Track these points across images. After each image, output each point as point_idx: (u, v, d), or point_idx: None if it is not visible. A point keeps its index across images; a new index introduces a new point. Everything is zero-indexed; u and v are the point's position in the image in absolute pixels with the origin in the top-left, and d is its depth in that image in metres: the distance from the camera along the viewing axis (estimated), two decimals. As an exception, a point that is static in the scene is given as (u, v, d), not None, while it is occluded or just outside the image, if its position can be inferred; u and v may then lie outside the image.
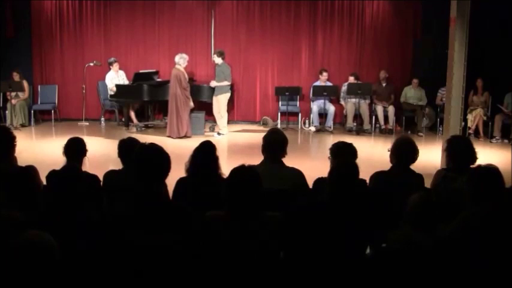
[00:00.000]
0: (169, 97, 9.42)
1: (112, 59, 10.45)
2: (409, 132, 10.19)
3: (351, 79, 10.46)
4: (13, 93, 10.21)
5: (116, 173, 3.90)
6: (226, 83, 9.66)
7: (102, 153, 7.53)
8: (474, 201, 2.79)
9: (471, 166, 3.65)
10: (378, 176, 3.82)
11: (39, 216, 2.77)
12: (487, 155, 7.02)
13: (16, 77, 10.28)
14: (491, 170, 2.90)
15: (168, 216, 2.64)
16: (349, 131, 10.28)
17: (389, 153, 3.94)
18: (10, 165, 3.72)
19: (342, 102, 10.66)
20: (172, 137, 9.29)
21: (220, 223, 2.68)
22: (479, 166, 3.00)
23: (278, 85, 10.78)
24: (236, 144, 9.19)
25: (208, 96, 9.84)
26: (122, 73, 10.49)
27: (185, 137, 9.28)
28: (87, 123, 10.69)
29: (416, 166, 3.87)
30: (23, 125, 10.17)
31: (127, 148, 3.81)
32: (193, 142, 4.33)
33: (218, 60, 9.64)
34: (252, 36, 11.02)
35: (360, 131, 10.21)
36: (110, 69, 10.44)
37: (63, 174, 3.03)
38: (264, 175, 2.79)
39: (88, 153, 3.98)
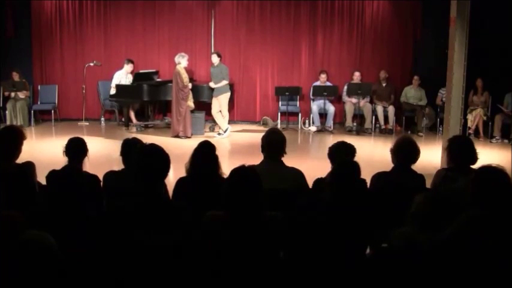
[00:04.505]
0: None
1: (129, 59, 10.45)
2: (409, 132, 10.20)
3: (357, 75, 10.47)
4: (12, 94, 10.22)
5: (115, 174, 3.90)
6: (225, 82, 9.67)
7: (102, 153, 7.51)
8: (476, 203, 2.73)
9: (472, 166, 3.65)
10: (379, 176, 3.82)
11: (39, 216, 2.77)
12: (487, 155, 7.02)
13: (16, 76, 10.29)
14: (498, 172, 2.75)
15: (168, 216, 2.64)
16: (349, 131, 10.29)
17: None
18: (11, 165, 3.72)
19: (345, 98, 10.64)
20: (172, 136, 9.32)
21: (220, 223, 2.68)
22: (487, 166, 2.82)
23: (278, 85, 10.78)
24: (236, 144, 9.20)
25: (208, 96, 9.84)
26: (130, 76, 10.45)
27: (185, 137, 9.28)
28: (87, 123, 10.71)
29: (416, 166, 3.86)
30: (22, 127, 10.16)
31: (130, 148, 3.80)
32: (193, 142, 4.33)
33: (216, 60, 9.66)
34: (252, 36, 11.02)
35: (359, 131, 10.21)
36: (122, 67, 10.43)
37: (63, 174, 3.03)
38: (264, 175, 2.79)
39: (88, 153, 3.97)
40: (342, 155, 3.70)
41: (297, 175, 3.82)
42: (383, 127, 10.36)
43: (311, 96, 10.69)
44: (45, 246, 2.19)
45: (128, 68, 10.41)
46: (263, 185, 2.71)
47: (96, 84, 11.00)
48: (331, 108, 10.54)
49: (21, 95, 10.31)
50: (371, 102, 10.54)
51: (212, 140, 3.94)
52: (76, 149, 3.87)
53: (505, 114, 9.55)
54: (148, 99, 10.16)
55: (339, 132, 10.24)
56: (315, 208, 2.96)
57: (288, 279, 2.66)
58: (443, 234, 2.68)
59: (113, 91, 10.26)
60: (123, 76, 10.35)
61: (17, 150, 3.92)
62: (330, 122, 10.55)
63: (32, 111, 10.56)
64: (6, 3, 10.64)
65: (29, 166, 3.67)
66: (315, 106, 10.55)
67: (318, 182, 3.70)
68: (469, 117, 9.68)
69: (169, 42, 11.06)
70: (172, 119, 9.43)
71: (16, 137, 3.93)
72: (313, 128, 10.54)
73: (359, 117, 10.47)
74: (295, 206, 3.07)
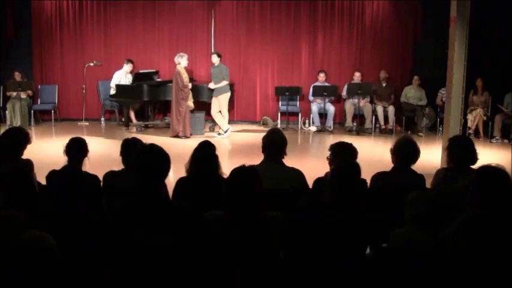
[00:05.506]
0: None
1: (129, 59, 10.46)
2: (409, 132, 10.20)
3: (357, 75, 10.47)
4: (14, 93, 10.22)
5: (115, 174, 3.90)
6: (225, 82, 9.67)
7: (102, 153, 7.50)
8: (476, 203, 2.73)
9: (472, 166, 3.65)
10: (379, 176, 3.82)
11: (39, 216, 2.77)
12: (487, 155, 7.02)
13: (18, 76, 10.30)
14: (498, 172, 2.74)
15: (168, 216, 2.64)
16: (349, 131, 10.29)
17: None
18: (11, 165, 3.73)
19: (345, 94, 10.63)
20: (171, 136, 9.32)
21: (220, 223, 2.68)
22: (487, 166, 2.81)
23: (278, 85, 10.79)
24: (236, 144, 9.20)
25: (208, 96, 9.84)
26: (129, 76, 10.45)
27: (184, 137, 9.28)
28: (87, 123, 10.71)
29: (416, 166, 3.86)
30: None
31: (130, 148, 3.79)
32: (193, 142, 4.33)
33: (216, 60, 9.66)
34: (252, 36, 11.02)
35: (359, 131, 10.21)
36: (122, 67, 10.43)
37: (63, 174, 3.03)
38: (264, 175, 2.79)
39: (88, 154, 3.97)
40: (344, 154, 3.70)
41: (297, 175, 3.82)
42: (383, 127, 10.35)
43: (310, 98, 10.68)
44: (45, 246, 2.19)
45: (127, 68, 10.42)
46: (263, 185, 2.71)
47: (96, 84, 11.01)
48: (331, 108, 10.54)
49: (23, 94, 10.31)
50: (371, 102, 10.54)
51: (212, 140, 3.94)
52: (77, 149, 3.87)
53: (505, 114, 9.55)
54: (148, 99, 10.16)
55: (339, 132, 10.24)
56: (315, 208, 2.96)
57: (288, 279, 2.66)
58: (443, 234, 2.68)
59: (112, 91, 10.26)
60: (122, 76, 10.35)
61: (20, 152, 3.94)
62: (330, 122, 10.55)
63: (32, 111, 10.55)
64: (6, 3, 10.63)
65: (28, 164, 3.68)
66: (315, 106, 10.54)
67: (318, 182, 3.71)
68: (469, 117, 9.68)
69: (169, 42, 11.07)
70: (172, 118, 9.42)
71: (22, 139, 3.96)
72: (313, 128, 10.54)
73: (359, 117, 10.48)
74: (295, 206, 3.06)
